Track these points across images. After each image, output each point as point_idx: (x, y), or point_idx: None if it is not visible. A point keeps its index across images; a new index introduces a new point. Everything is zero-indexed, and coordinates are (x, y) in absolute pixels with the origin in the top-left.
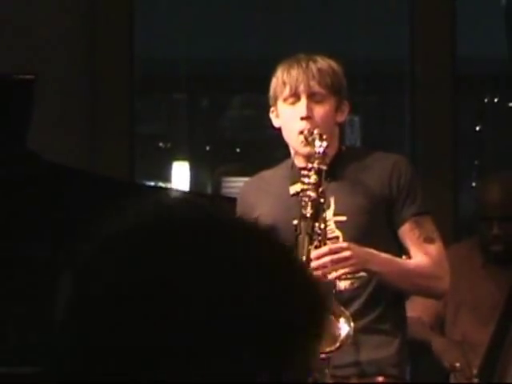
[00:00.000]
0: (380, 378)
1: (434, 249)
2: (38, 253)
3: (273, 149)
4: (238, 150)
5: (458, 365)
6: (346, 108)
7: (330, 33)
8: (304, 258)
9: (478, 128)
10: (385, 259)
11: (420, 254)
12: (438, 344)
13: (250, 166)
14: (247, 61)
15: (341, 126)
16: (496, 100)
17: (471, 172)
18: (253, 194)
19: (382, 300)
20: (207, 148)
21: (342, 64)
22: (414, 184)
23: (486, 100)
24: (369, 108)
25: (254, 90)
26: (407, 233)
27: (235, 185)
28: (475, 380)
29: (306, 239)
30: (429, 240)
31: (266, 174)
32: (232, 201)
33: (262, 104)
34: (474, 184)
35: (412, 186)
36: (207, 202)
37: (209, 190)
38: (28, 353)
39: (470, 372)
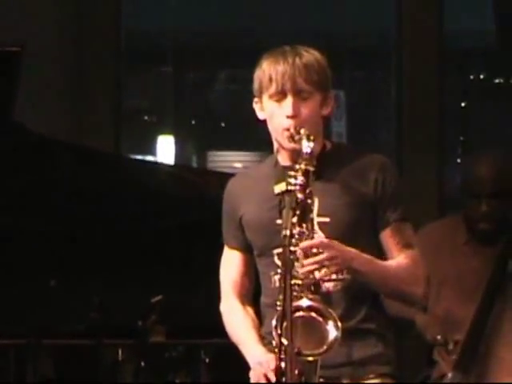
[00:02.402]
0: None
1: (412, 254)
2: (24, 224)
3: (258, 123)
4: (223, 124)
5: (439, 337)
6: (330, 101)
7: (316, 6)
8: (287, 233)
9: (463, 104)
10: (367, 259)
11: (399, 258)
12: (420, 319)
13: (235, 141)
14: (233, 35)
15: (326, 118)
16: (482, 76)
17: (457, 148)
18: (238, 193)
19: (366, 300)
20: (193, 122)
21: (328, 39)
22: (398, 189)
23: (471, 76)
24: (354, 82)
25: (240, 65)
26: (388, 238)
27: (220, 159)
28: (453, 356)
29: (290, 213)
30: (407, 246)
31: (251, 172)
32: (218, 175)
33: (248, 78)
34: (459, 160)
35: (396, 190)
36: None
37: (194, 164)
38: None
39: (452, 344)
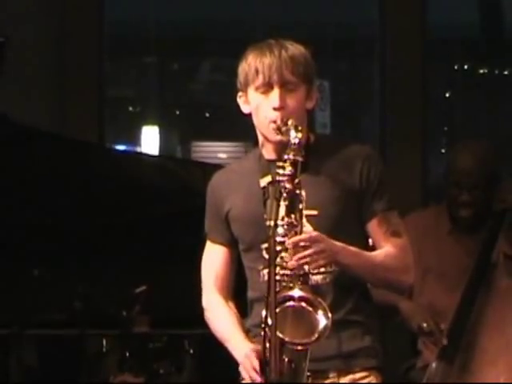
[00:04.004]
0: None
1: (401, 242)
2: (8, 214)
3: (241, 113)
4: (207, 114)
5: (425, 325)
6: (314, 94)
7: None
8: (272, 223)
9: (447, 94)
10: (354, 252)
11: (387, 247)
12: (406, 307)
13: (219, 131)
14: (218, 24)
15: (309, 112)
16: (466, 66)
17: (440, 138)
18: (223, 187)
19: (354, 292)
20: (177, 112)
21: (310, 27)
22: (384, 178)
23: (455, 66)
24: (339, 73)
25: (225, 54)
26: (375, 227)
27: (205, 149)
28: (444, 340)
29: (275, 204)
30: (396, 234)
31: (235, 167)
32: (202, 165)
33: (233, 68)
34: (443, 150)
35: (381, 180)
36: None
37: (178, 154)
38: None
39: (438, 332)
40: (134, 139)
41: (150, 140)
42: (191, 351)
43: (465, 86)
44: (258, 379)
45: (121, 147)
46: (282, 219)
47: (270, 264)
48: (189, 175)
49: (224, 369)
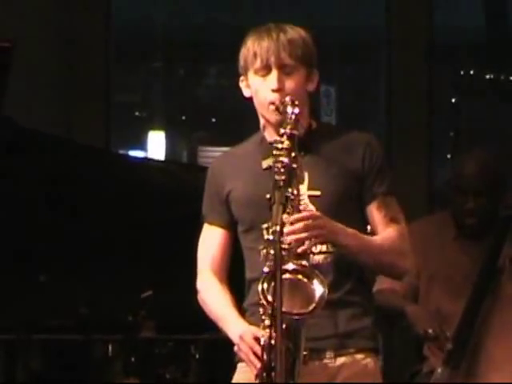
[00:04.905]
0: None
1: (399, 228)
2: (14, 218)
3: (248, 118)
4: (213, 119)
5: (430, 331)
6: (315, 77)
7: (305, 2)
8: (278, 228)
9: (453, 100)
10: (353, 233)
11: (385, 232)
12: (412, 311)
13: (226, 136)
14: (225, 29)
15: (311, 95)
16: (472, 72)
17: (446, 143)
18: (224, 170)
19: (353, 274)
20: (183, 117)
21: (316, 33)
22: (385, 163)
23: (461, 72)
24: (344, 79)
25: (232, 60)
26: (374, 211)
27: (211, 154)
28: (449, 345)
29: (280, 208)
30: (394, 220)
31: (236, 150)
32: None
33: (238, 74)
34: (448, 156)
35: (382, 164)
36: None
37: (184, 159)
38: None
39: (444, 337)
40: (141, 144)
41: (156, 145)
42: (197, 356)
43: (471, 91)
44: (257, 363)
45: (127, 152)
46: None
47: (276, 268)
48: (195, 180)
49: (229, 374)
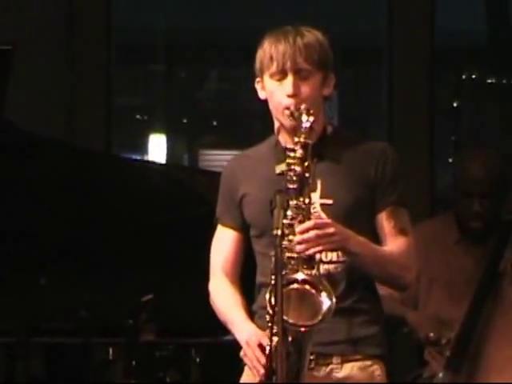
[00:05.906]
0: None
1: (406, 241)
2: (14, 221)
3: (249, 122)
4: (214, 123)
5: (432, 335)
6: (331, 81)
7: (307, 6)
8: (279, 232)
9: (455, 104)
10: (363, 242)
11: (393, 243)
12: (413, 317)
13: (227, 139)
14: (226, 33)
15: (327, 100)
16: (474, 76)
17: (448, 147)
18: (239, 172)
19: (362, 283)
20: (184, 120)
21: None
22: (398, 173)
23: (463, 76)
24: (346, 82)
25: (233, 63)
26: (384, 220)
27: (212, 158)
28: (447, 353)
29: (281, 213)
30: (403, 232)
31: (250, 153)
32: (208, 174)
33: (239, 77)
34: (450, 160)
35: (395, 174)
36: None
37: (185, 163)
38: None
39: (444, 342)
40: (141, 147)
41: (157, 148)
42: (198, 360)
43: (473, 95)
44: (262, 370)
45: (128, 155)
46: (291, 200)
47: (277, 273)
48: (196, 184)
49: (231, 378)
